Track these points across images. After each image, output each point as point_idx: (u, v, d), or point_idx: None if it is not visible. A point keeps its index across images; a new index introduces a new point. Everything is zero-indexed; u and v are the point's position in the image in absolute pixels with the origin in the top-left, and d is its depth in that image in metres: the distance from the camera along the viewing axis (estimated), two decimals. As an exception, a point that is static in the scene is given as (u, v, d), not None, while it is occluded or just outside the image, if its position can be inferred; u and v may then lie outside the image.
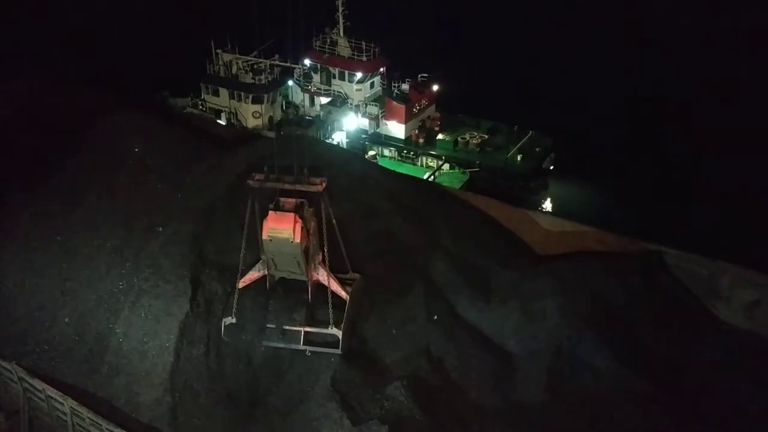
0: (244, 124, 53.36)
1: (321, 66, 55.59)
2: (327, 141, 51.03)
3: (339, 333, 25.30)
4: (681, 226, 40.32)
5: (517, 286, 29.58)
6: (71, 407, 24.94)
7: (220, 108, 54.74)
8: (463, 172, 49.80)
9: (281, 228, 24.23)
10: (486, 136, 53.37)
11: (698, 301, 30.89)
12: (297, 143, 37.23)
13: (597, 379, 27.41)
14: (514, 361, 28.13)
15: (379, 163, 50.87)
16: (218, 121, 53.10)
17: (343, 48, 54.97)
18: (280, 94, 56.46)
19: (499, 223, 34.91)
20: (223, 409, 25.58)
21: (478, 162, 50.15)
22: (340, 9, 53.97)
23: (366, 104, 54.71)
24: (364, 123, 54.74)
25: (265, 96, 53.65)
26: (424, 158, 52.80)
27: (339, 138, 53.85)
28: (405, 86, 54.95)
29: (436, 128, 55.25)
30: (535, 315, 28.78)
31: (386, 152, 53.34)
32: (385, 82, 57.05)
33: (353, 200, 31.79)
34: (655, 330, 29.39)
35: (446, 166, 50.99)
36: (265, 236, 24.59)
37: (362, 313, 27.36)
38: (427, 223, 31.67)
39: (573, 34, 71.92)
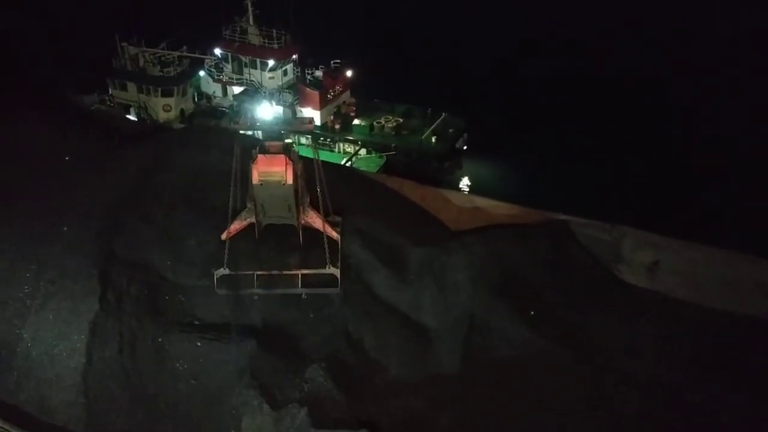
0: (155, 118, 52.04)
1: (232, 55, 54.68)
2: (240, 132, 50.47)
3: (338, 272, 25.12)
4: (585, 195, 42.05)
5: (431, 263, 30.26)
6: (-22, 418, 24.14)
7: (129, 103, 53.21)
8: (380, 156, 50.25)
9: (273, 170, 23.60)
10: (401, 120, 53.96)
11: (603, 265, 32.44)
12: (208, 136, 37.31)
13: (510, 347, 28.48)
14: (430, 335, 28.89)
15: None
16: (128, 116, 51.61)
17: (254, 36, 54.20)
18: (191, 86, 55.31)
19: (413, 203, 35.57)
20: (140, 406, 25.26)
21: (393, 145, 50.72)
22: (249, -4, 53.17)
23: (280, 92, 54.25)
24: (279, 111, 54.27)
25: (175, 88, 52.45)
26: (341, 144, 52.90)
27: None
28: (318, 73, 54.81)
29: (352, 114, 55.43)
30: (449, 289, 29.59)
31: (303, 140, 53.16)
32: (298, 70, 56.69)
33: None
34: (564, 296, 30.73)
35: (363, 151, 51.30)
36: (255, 181, 24.01)
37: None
38: (341, 208, 31.93)
39: (481, 17, 73.34)
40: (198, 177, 31.59)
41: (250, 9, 53.76)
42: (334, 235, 25.90)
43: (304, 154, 48.42)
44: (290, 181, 23.76)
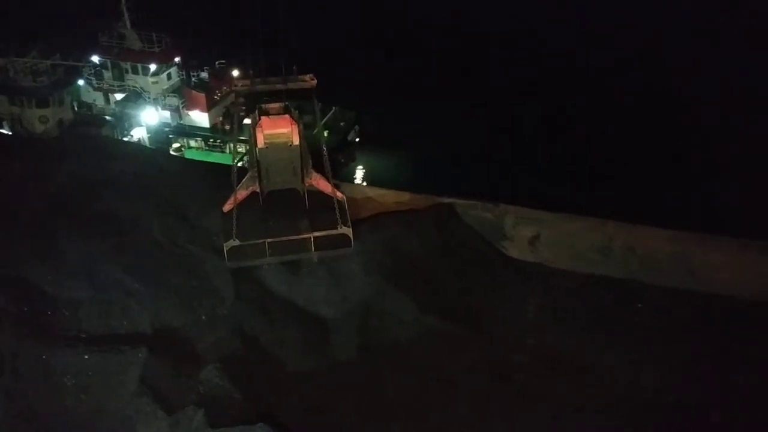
0: (31, 130, 49.52)
1: (112, 62, 52.83)
2: (124, 139, 48.93)
3: (350, 231, 24.38)
4: (469, 178, 43.68)
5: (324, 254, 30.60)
6: None
7: (2, 116, 50.41)
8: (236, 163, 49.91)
9: (279, 132, 22.61)
10: (292, 117, 53.79)
11: (489, 242, 33.87)
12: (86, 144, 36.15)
13: (405, 328, 29.33)
14: (327, 325, 29.27)
15: (186, 155, 49.65)
16: (1, 131, 48.93)
17: (133, 41, 52.52)
18: (68, 95, 52.99)
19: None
20: (28, 426, 24.21)
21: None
22: (123, 0, 51.49)
23: (165, 96, 52.91)
24: (165, 116, 52.97)
25: (50, 99, 50.09)
26: (232, 145, 52.20)
27: (139, 134, 51.73)
28: (204, 74, 53.80)
29: (242, 113, 54.69)
30: (343, 279, 30.06)
31: (192, 143, 52.09)
32: (183, 73, 55.44)
33: (152, 195, 31.29)
34: (454, 275, 31.91)
35: (254, 150, 50.92)
36: (260, 144, 22.87)
37: None
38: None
39: (361, 6, 74.02)
40: (75, 186, 30.62)
41: (126, 13, 52.07)
42: (339, 195, 25.17)
43: (191, 157, 48.33)
44: (296, 141, 22.83)
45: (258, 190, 24.96)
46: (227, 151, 52.07)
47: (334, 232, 24.69)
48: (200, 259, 29.30)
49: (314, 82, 23.44)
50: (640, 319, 29.79)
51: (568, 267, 32.31)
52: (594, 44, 64.65)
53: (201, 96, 52.06)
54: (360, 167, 53.76)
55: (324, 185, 25.09)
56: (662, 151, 47.57)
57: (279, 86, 23.47)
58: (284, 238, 24.72)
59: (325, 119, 53.38)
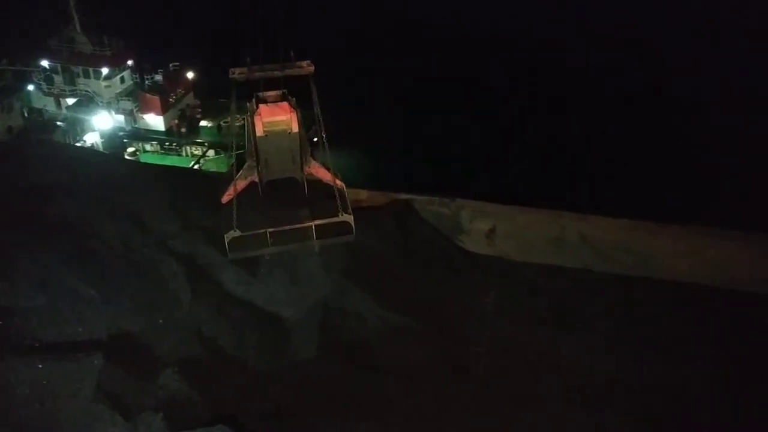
0: (-20, 138, 48.38)
1: (62, 66, 51.80)
2: (76, 144, 48.08)
3: (351, 218, 24.02)
4: (428, 175, 44.14)
5: (282, 254, 30.58)
6: None
7: (-51, 124, 49.11)
8: (229, 156, 49.67)
9: (278, 119, 22.24)
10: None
11: (446, 236, 34.28)
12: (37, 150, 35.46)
13: (365, 325, 29.54)
14: (287, 325, 29.30)
15: (141, 159, 48.99)
16: (-52, 139, 47.62)
17: (83, 44, 51.55)
18: (18, 101, 51.83)
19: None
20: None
21: (242, 143, 50.25)
22: (72, 3, 50.52)
23: (118, 100, 52.11)
24: (119, 120, 52.19)
25: (-1, 105, 49.02)
26: (188, 147, 51.70)
27: (92, 139, 50.87)
28: (158, 77, 53.11)
29: (198, 115, 54.26)
30: (302, 278, 30.12)
31: (148, 147, 51.44)
32: (136, 76, 54.67)
33: (106, 200, 30.88)
34: (412, 270, 32.22)
35: (211, 152, 50.47)
36: (260, 133, 22.33)
37: None
38: (182, 209, 31.58)
39: (316, 5, 73.97)
40: (27, 193, 30.05)
41: (75, 16, 51.13)
42: (339, 183, 24.89)
43: (148, 161, 47.72)
44: (296, 128, 22.55)
45: (257, 180, 24.71)
46: (184, 154, 51.63)
47: (335, 219, 24.45)
48: (156, 262, 29.03)
49: (311, 68, 23.17)
50: (594, 307, 30.45)
51: (524, 259, 32.90)
52: (542, 24, 65.65)
53: (155, 99, 51.44)
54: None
55: (323, 173, 24.95)
56: (613, 142, 48.70)
57: (276, 73, 23.12)
58: (286, 227, 24.39)
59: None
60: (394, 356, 28.45)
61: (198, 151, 50.96)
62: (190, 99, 55.45)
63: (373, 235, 32.27)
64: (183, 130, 52.35)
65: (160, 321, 27.12)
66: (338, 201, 24.36)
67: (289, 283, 29.81)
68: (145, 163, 44.51)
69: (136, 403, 24.02)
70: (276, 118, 23.00)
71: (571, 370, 27.84)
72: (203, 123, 53.02)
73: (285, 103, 23.08)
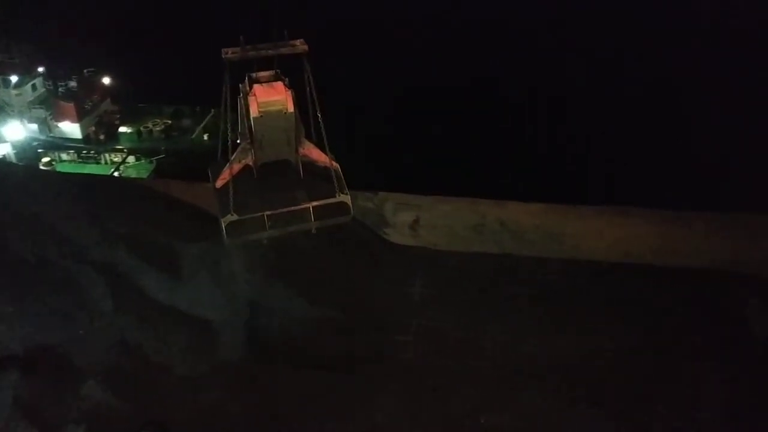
0: None
1: (-32, 75, 49.87)
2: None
3: (348, 199, 23.49)
4: (346, 169, 44.35)
5: (204, 256, 30.38)
6: None
7: None
8: (150, 161, 48.91)
9: (273, 99, 21.48)
10: (170, 122, 52.80)
11: (372, 230, 34.63)
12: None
13: (293, 323, 29.59)
14: (214, 327, 29.09)
15: (58, 169, 47.77)
16: None
17: (-10, 52, 49.86)
18: None
19: (184, 202, 35.21)
20: None
21: (163, 148, 49.67)
22: (-26, 10, 48.65)
23: (30, 109, 50.57)
24: (33, 129, 50.65)
25: None
26: (107, 155, 50.61)
27: (3, 150, 49.17)
28: (72, 83, 51.85)
29: (116, 122, 53.22)
30: (226, 278, 29.98)
31: (64, 156, 50.11)
32: (49, 82, 53.14)
33: (17, 212, 29.98)
34: (340, 265, 32.45)
35: (131, 158, 49.59)
36: (255, 113, 21.56)
37: None
38: (101, 218, 30.95)
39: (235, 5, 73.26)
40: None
41: (-21, 23, 49.29)
42: (335, 164, 24.09)
43: (64, 170, 46.49)
44: (292, 109, 22.00)
45: (251, 163, 24.42)
46: (103, 161, 50.51)
47: (333, 200, 23.86)
48: (74, 273, 28.44)
49: (305, 47, 22.46)
50: (516, 290, 31.37)
51: (447, 247, 33.53)
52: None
53: (70, 106, 50.36)
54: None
55: (317, 154, 24.65)
56: (530, 128, 50.35)
57: (270, 52, 22.84)
58: (283, 210, 23.74)
59: (204, 123, 52.87)
60: (324, 351, 28.65)
61: (118, 158, 50.04)
62: (107, 105, 54.47)
63: (301, 235, 32.22)
64: (101, 137, 51.41)
65: (81, 332, 26.58)
66: (335, 181, 24.05)
67: (213, 285, 29.62)
68: (61, 173, 43.33)
69: (57, 417, 23.54)
70: (271, 98, 22.33)
71: (496, 352, 28.66)
72: (122, 129, 52.14)
73: (280, 83, 22.85)
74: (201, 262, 30.14)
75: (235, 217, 23.24)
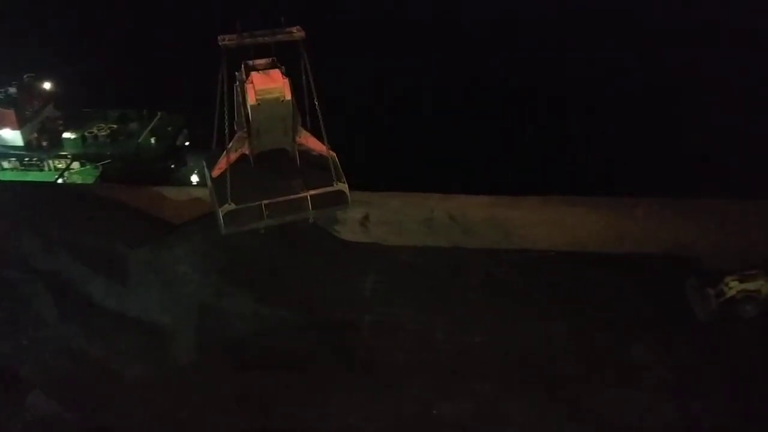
0: None
1: None
2: None
3: (345, 187, 23.42)
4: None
5: (152, 261, 30.01)
6: None
7: None
8: (95, 167, 47.88)
9: (271, 87, 21.45)
10: (115, 126, 51.71)
11: (322, 228, 34.61)
12: None
13: (244, 324, 29.39)
14: (164, 331, 28.71)
15: (-2, 179, 46.50)
16: None
17: None
18: None
19: (129, 206, 34.73)
20: None
21: (109, 153, 48.67)
22: None
23: (-31, 117, 48.99)
24: (-29, 138, 49.11)
25: None
26: (51, 161, 49.34)
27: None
28: (12, 89, 50.30)
29: (60, 127, 51.85)
30: (175, 282, 29.66)
31: (5, 164, 48.68)
32: (-13, 89, 51.47)
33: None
34: (290, 264, 32.34)
35: (76, 164, 48.44)
36: (252, 101, 21.33)
37: None
38: (43, 226, 30.35)
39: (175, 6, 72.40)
40: None
41: None
42: (332, 153, 24.04)
43: (5, 179, 45.13)
44: (289, 96, 21.85)
45: (247, 152, 23.77)
46: (46, 168, 49.25)
47: (330, 189, 23.99)
48: (17, 282, 27.81)
49: (302, 33, 22.43)
50: (467, 283, 31.73)
51: (398, 242, 33.72)
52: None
53: (10, 113, 48.89)
54: (195, 171, 52.72)
55: (314, 143, 24.28)
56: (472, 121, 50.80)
57: (267, 39, 22.29)
58: (280, 199, 23.74)
59: (150, 126, 51.94)
60: (278, 351, 28.51)
61: (62, 165, 48.83)
62: (50, 111, 52.97)
63: (248, 233, 32.09)
64: (44, 143, 50.01)
65: (24, 342, 26.00)
66: (332, 170, 24.11)
67: (162, 289, 29.27)
68: (2, 182, 42.17)
69: (1, 428, 22.95)
70: (269, 85, 22.39)
71: (448, 344, 28.93)
72: (66, 135, 50.76)
73: (277, 71, 22.58)
74: (149, 266, 29.77)
75: (232, 206, 23.25)
